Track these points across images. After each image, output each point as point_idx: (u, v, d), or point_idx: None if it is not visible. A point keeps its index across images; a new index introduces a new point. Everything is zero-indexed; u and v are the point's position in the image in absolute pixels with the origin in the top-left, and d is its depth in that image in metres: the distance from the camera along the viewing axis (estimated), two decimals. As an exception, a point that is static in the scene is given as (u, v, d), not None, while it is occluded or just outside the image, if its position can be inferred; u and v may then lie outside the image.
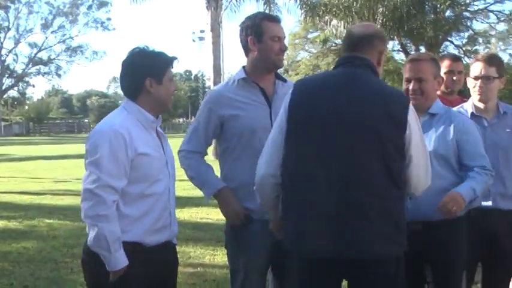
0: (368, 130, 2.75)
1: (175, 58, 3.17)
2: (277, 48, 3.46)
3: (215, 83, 21.45)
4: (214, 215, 9.57)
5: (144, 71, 3.07)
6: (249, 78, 3.50)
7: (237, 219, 3.46)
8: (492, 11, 40.34)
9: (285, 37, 3.54)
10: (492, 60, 3.85)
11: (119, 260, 2.93)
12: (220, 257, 7.01)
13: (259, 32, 3.45)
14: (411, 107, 2.86)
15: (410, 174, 2.85)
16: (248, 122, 3.42)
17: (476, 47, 41.73)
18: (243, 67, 3.58)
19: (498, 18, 40.78)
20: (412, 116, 2.84)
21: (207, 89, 54.68)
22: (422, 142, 2.91)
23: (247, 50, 3.54)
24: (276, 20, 3.52)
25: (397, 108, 2.80)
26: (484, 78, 3.78)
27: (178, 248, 3.38)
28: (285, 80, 3.63)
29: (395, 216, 2.81)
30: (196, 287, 6.03)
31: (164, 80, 3.10)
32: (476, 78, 3.81)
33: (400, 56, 40.24)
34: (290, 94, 2.94)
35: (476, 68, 3.83)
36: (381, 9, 29.97)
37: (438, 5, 35.12)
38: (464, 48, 41.28)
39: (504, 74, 3.85)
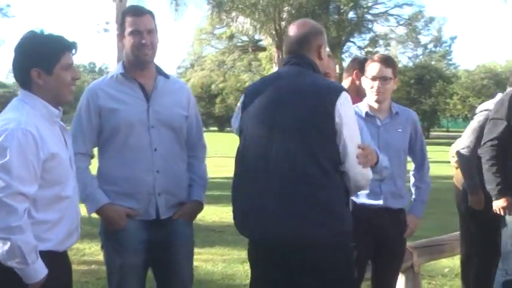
0: (293, 120, 2.88)
1: (72, 44, 2.84)
2: (137, 42, 3.32)
3: (119, 76, 21.04)
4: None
5: (30, 61, 2.76)
6: (126, 73, 3.40)
7: (121, 228, 3.36)
8: (392, 15, 41.99)
9: (151, 30, 3.36)
10: (388, 61, 3.96)
11: (38, 271, 2.68)
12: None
13: (123, 27, 3.37)
14: (346, 99, 2.94)
15: (346, 155, 2.90)
16: (125, 116, 3.31)
17: (377, 49, 43.17)
18: (122, 62, 3.48)
19: (398, 22, 42.45)
20: (345, 107, 2.91)
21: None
22: (354, 132, 2.97)
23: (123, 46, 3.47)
24: (138, 13, 3.37)
25: (325, 99, 2.89)
26: (382, 79, 3.87)
27: (73, 245, 3.25)
28: (167, 76, 3.52)
29: (328, 203, 2.85)
30: (89, 285, 5.84)
31: (56, 70, 2.76)
32: (374, 78, 3.90)
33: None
34: (243, 94, 3.17)
35: (374, 68, 3.92)
36: (286, 8, 30.42)
37: (342, 7, 36.10)
38: (365, 50, 42.62)
39: (397, 76, 3.99)
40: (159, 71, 3.48)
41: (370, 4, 40.32)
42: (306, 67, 3.04)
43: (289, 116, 2.89)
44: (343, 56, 41.04)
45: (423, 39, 51.89)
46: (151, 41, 3.36)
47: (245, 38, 44.66)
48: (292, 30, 3.16)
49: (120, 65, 3.45)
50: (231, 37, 43.56)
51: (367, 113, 3.91)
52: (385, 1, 41.20)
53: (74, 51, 2.86)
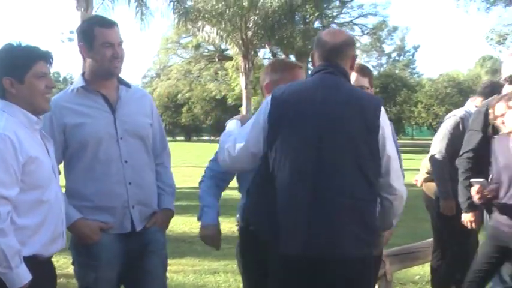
0: (342, 133, 2.87)
1: (45, 53, 2.89)
2: (109, 55, 3.26)
3: (84, 86, 20.74)
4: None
5: (3, 70, 2.82)
6: (87, 86, 3.32)
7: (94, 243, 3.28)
8: (357, 24, 42.51)
9: (120, 43, 3.32)
10: (365, 71, 3.98)
11: (22, 276, 2.67)
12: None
13: (91, 38, 3.27)
14: (383, 110, 3.00)
15: (390, 167, 2.96)
16: (92, 130, 3.23)
17: (342, 58, 43.53)
18: (82, 74, 3.39)
19: (362, 31, 42.97)
20: (384, 120, 2.98)
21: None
22: (392, 140, 3.05)
23: (83, 57, 3.37)
24: (107, 25, 3.31)
25: (370, 112, 2.93)
26: (359, 88, 3.89)
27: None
28: (129, 86, 3.45)
29: (366, 217, 2.88)
30: (58, 298, 5.73)
31: (27, 78, 2.82)
32: None
33: (270, 64, 41.07)
34: (269, 101, 2.99)
35: (351, 78, 3.94)
36: (253, 18, 30.51)
37: (307, 16, 36.36)
38: (331, 59, 42.94)
39: (373, 85, 4.00)
40: (121, 81, 3.41)
41: (335, 14, 40.79)
42: (339, 76, 3.03)
43: (337, 130, 2.88)
44: (309, 65, 41.34)
45: (387, 48, 52.70)
46: (121, 53, 3.32)
47: (211, 48, 44.68)
48: (328, 38, 3.12)
49: (80, 77, 3.37)
50: (198, 46, 43.60)
51: None
52: (350, 11, 41.79)
53: (49, 60, 2.91)
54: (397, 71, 53.17)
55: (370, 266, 2.98)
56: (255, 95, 33.77)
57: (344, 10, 41.48)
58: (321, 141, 2.86)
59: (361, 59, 45.68)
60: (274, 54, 38.63)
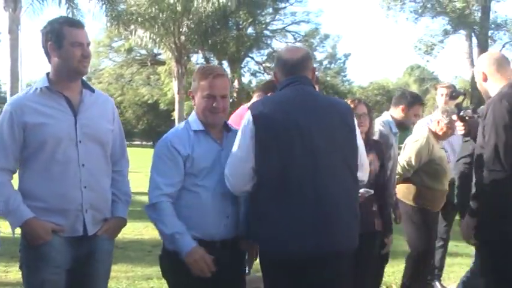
0: (331, 137, 3.15)
1: None
2: (79, 54, 3.28)
3: (12, 89, 20.11)
4: (6, 228, 8.94)
5: None
6: (51, 86, 3.30)
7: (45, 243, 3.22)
8: (290, 31, 42.98)
9: (89, 43, 3.37)
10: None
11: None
12: (13, 274, 6.50)
13: (60, 37, 3.26)
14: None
15: (363, 161, 3.33)
16: (53, 131, 3.22)
17: (275, 64, 44.00)
18: (47, 74, 3.37)
19: (295, 38, 43.46)
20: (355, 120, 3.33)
21: (2, 94, 51.35)
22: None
23: (49, 56, 3.35)
24: (77, 25, 3.34)
25: (347, 114, 3.28)
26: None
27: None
28: (93, 90, 3.47)
29: (357, 211, 3.25)
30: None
31: None
32: None
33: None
34: (251, 121, 3.15)
35: None
36: (186, 22, 30.41)
37: (241, 22, 36.58)
38: (264, 65, 43.36)
39: None
40: (85, 85, 3.42)
41: (268, 20, 41.13)
42: (309, 86, 3.28)
43: (327, 135, 3.13)
44: (242, 70, 41.56)
45: (318, 55, 53.27)
46: (90, 54, 3.38)
47: (144, 52, 44.25)
48: (289, 55, 3.34)
49: (45, 77, 3.34)
50: (130, 50, 43.08)
51: None
52: (283, 18, 42.21)
53: None
54: (328, 78, 54.01)
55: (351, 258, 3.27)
56: (187, 99, 33.62)
57: (277, 17, 41.90)
58: (315, 147, 3.09)
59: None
60: (207, 60, 38.61)
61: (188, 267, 3.16)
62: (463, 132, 4.36)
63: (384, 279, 5.40)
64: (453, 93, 4.37)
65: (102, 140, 3.38)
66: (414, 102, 5.25)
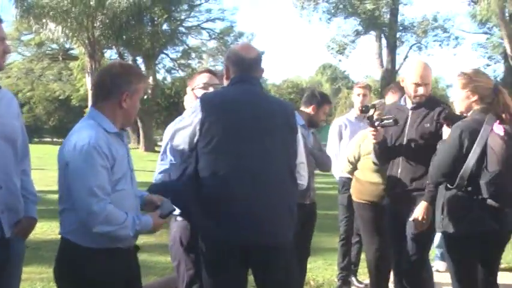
0: (278, 135, 3.31)
1: None
2: (1, 50, 3.18)
3: None
4: None
5: None
6: None
7: None
8: (205, 28, 42.86)
9: (5, 38, 3.26)
10: (214, 72, 4.17)
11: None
12: None
13: None
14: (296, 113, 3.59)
15: (302, 168, 3.48)
16: None
17: (190, 61, 43.89)
18: None
19: (210, 35, 43.43)
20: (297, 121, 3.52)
21: None
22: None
23: None
24: None
25: (292, 114, 3.46)
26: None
27: None
28: None
29: (293, 208, 3.36)
30: None
31: None
32: None
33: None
34: (200, 111, 3.24)
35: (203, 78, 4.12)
36: (100, 17, 29.86)
37: (156, 18, 36.21)
38: (178, 62, 43.14)
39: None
40: None
41: (183, 17, 40.88)
42: (258, 86, 3.47)
43: (275, 132, 3.30)
44: (156, 67, 41.19)
45: (233, 53, 53.52)
46: (10, 49, 3.33)
47: (55, 46, 43.00)
48: (244, 53, 3.45)
49: None
50: (40, 44, 41.69)
51: None
52: (198, 15, 42.02)
53: None
54: (243, 76, 54.25)
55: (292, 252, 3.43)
56: (101, 96, 32.99)
57: (192, 14, 41.63)
58: (262, 140, 3.25)
59: (208, 63, 46.23)
60: (121, 55, 38.00)
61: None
62: (374, 140, 4.56)
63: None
64: (363, 109, 4.58)
65: (13, 138, 3.24)
66: (324, 102, 5.46)
